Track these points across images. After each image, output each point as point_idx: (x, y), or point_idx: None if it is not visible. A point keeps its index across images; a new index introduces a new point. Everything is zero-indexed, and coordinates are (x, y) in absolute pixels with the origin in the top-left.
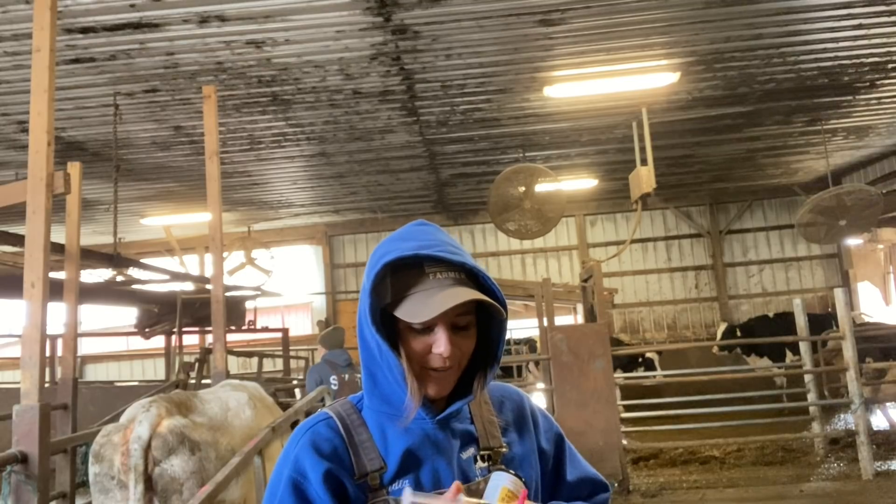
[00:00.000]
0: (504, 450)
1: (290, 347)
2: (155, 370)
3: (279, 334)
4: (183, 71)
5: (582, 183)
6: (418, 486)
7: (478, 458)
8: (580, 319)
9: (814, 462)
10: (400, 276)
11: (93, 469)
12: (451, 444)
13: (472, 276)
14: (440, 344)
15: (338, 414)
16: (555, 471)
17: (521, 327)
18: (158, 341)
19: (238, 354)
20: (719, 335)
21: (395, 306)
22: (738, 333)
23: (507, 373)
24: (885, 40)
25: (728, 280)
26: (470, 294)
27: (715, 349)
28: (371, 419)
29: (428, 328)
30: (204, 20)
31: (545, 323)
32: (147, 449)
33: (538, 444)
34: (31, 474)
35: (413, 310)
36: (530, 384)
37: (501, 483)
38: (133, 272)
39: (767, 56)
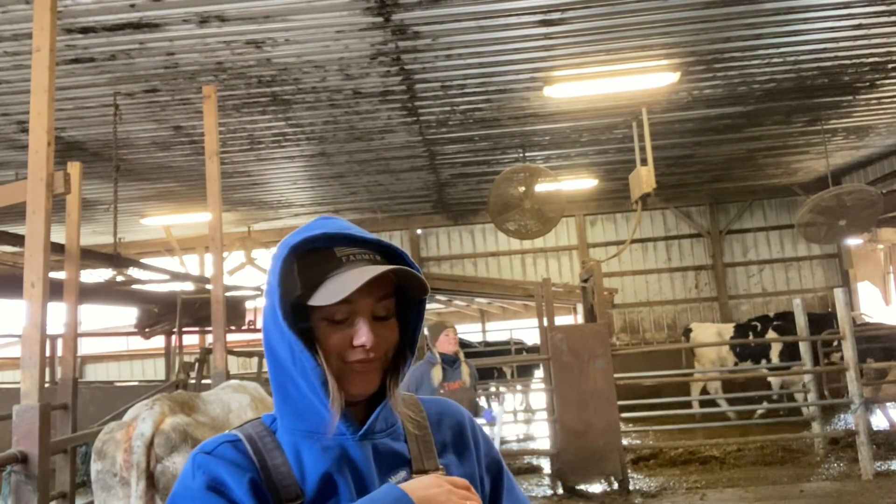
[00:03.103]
0: (440, 471)
1: None
2: (155, 370)
3: None
4: (183, 71)
5: (582, 183)
6: None
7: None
8: (580, 319)
9: (814, 462)
10: (309, 263)
11: (95, 466)
12: (377, 466)
13: (388, 256)
14: (362, 333)
15: (247, 436)
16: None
17: (521, 327)
18: (158, 341)
19: (238, 354)
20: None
21: (307, 297)
22: (772, 321)
23: (502, 374)
24: (885, 40)
25: (728, 280)
26: (388, 266)
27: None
28: (285, 440)
29: (345, 319)
30: (204, 20)
31: (545, 323)
32: (150, 446)
33: (477, 470)
34: (31, 474)
35: (327, 293)
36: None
37: None
38: (133, 272)
39: (767, 56)
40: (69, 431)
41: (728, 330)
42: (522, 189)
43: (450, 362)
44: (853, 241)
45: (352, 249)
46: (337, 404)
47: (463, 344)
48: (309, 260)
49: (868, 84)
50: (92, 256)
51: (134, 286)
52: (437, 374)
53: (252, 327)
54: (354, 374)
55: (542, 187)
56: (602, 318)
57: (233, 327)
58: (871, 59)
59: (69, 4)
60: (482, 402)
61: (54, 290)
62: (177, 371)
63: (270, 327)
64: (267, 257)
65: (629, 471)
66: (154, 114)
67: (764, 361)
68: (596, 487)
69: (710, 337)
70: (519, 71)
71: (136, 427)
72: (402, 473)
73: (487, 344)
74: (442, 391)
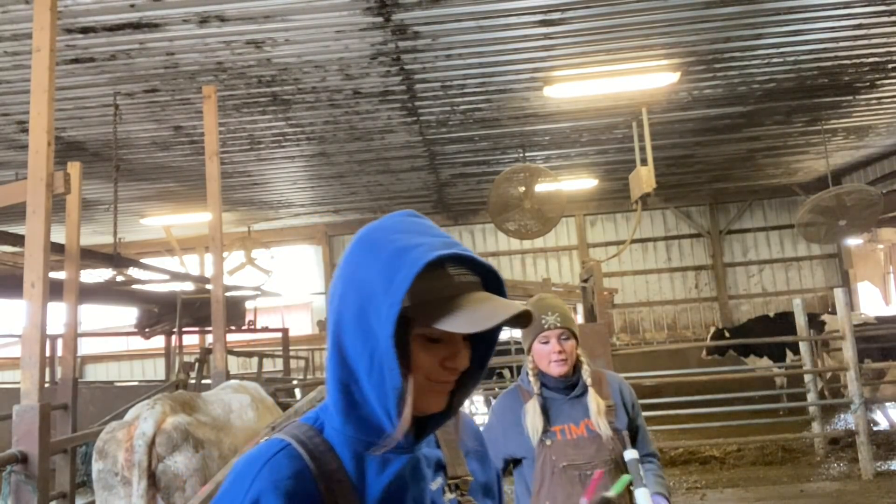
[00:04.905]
0: (470, 479)
1: (290, 347)
2: (155, 370)
3: (279, 334)
4: (183, 71)
5: (582, 183)
6: None
7: (445, 488)
8: (580, 319)
9: (814, 462)
10: (420, 276)
11: (96, 465)
12: (427, 474)
13: (487, 279)
14: (461, 358)
15: (300, 442)
16: None
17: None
18: (158, 341)
19: (238, 354)
20: (708, 339)
21: (415, 312)
22: (727, 335)
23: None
24: (885, 40)
25: (728, 280)
26: (522, 306)
27: (704, 353)
28: (343, 448)
29: (441, 339)
30: (204, 20)
31: None
32: (151, 445)
33: (495, 481)
34: (31, 474)
35: (458, 321)
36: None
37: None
38: (133, 272)
39: (767, 56)
40: (69, 431)
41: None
42: (522, 189)
43: (561, 389)
44: (853, 241)
45: (461, 270)
46: (407, 422)
47: None
48: (420, 273)
49: (868, 84)
50: (92, 256)
51: (134, 286)
52: (534, 415)
53: (252, 327)
54: (433, 393)
55: (542, 187)
56: (602, 318)
57: (233, 327)
58: (871, 59)
59: (69, 4)
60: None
61: (54, 290)
62: (177, 371)
63: (351, 328)
64: (267, 257)
65: None
66: (154, 114)
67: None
68: None
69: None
70: (519, 71)
71: (137, 426)
72: (439, 479)
73: None
74: (549, 443)
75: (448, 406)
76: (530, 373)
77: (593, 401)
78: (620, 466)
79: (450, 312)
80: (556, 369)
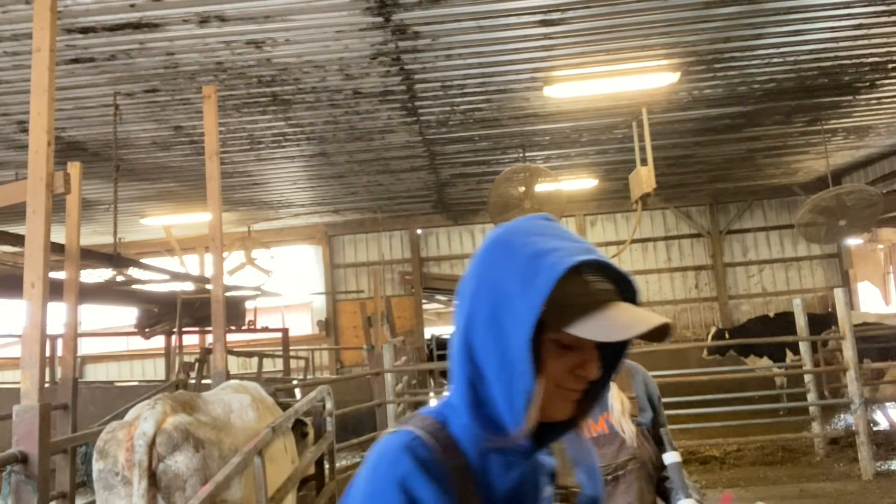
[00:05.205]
0: (578, 490)
1: (290, 347)
2: (155, 370)
3: (279, 334)
4: (183, 71)
5: (582, 183)
6: None
7: (554, 497)
8: None
9: (814, 462)
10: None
11: (97, 465)
12: (543, 481)
13: (622, 287)
14: (593, 367)
15: (429, 433)
16: None
17: None
18: (158, 341)
19: (238, 354)
20: (709, 339)
21: (550, 316)
22: (727, 336)
23: None
24: (885, 40)
25: (728, 280)
26: (658, 317)
27: (705, 353)
28: (468, 445)
29: (573, 346)
30: (204, 20)
31: None
32: (151, 445)
33: (601, 495)
34: (31, 474)
35: (598, 328)
36: None
37: None
38: (133, 272)
39: (767, 56)
40: (69, 431)
41: None
42: (522, 189)
43: None
44: (853, 241)
45: (597, 276)
46: (532, 425)
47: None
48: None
49: (868, 84)
50: (92, 256)
51: (134, 286)
52: None
53: (252, 327)
54: (560, 399)
55: (542, 187)
56: None
57: (233, 327)
58: (871, 59)
59: (69, 4)
60: None
61: (54, 290)
62: (177, 371)
63: (482, 327)
64: (267, 257)
65: None
66: (154, 114)
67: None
68: None
69: None
70: (519, 71)
71: (138, 426)
72: (549, 488)
73: None
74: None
75: (573, 415)
76: None
77: (616, 398)
78: (648, 469)
79: (586, 319)
80: None
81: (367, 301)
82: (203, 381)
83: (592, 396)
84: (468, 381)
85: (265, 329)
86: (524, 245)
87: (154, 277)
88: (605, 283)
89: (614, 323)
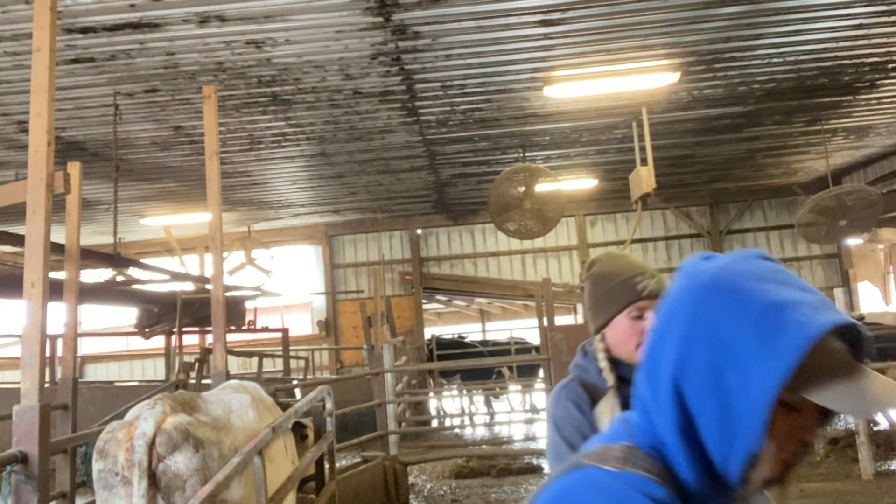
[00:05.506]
0: None
1: (290, 347)
2: (155, 370)
3: (279, 334)
4: (183, 71)
5: (582, 183)
6: None
7: None
8: (580, 319)
9: (814, 462)
10: None
11: (97, 465)
12: None
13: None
14: (815, 432)
15: (660, 479)
16: None
17: (521, 327)
18: (158, 341)
19: (238, 354)
20: None
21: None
22: None
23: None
24: (885, 40)
25: None
26: None
27: None
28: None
29: (801, 409)
30: (204, 20)
31: (545, 323)
32: (151, 445)
33: None
34: (31, 474)
35: (840, 396)
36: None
37: None
38: (133, 272)
39: (767, 56)
40: (69, 431)
41: None
42: (522, 189)
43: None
44: (853, 241)
45: (834, 336)
46: (758, 487)
47: (459, 343)
48: None
49: (868, 84)
50: (92, 256)
51: (134, 286)
52: (608, 412)
53: (252, 327)
54: (782, 466)
55: (542, 187)
56: None
57: (233, 327)
58: (871, 59)
59: (69, 4)
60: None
61: (54, 290)
62: (177, 371)
63: (699, 378)
64: (267, 257)
65: None
66: (154, 114)
67: None
68: None
69: None
70: (519, 71)
71: (137, 426)
72: None
73: (490, 343)
74: None
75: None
76: (601, 359)
77: None
78: None
79: (833, 387)
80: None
81: (367, 301)
82: (203, 381)
83: (801, 457)
84: (679, 427)
85: (265, 329)
86: (753, 293)
87: (154, 277)
88: (838, 341)
89: (866, 395)
